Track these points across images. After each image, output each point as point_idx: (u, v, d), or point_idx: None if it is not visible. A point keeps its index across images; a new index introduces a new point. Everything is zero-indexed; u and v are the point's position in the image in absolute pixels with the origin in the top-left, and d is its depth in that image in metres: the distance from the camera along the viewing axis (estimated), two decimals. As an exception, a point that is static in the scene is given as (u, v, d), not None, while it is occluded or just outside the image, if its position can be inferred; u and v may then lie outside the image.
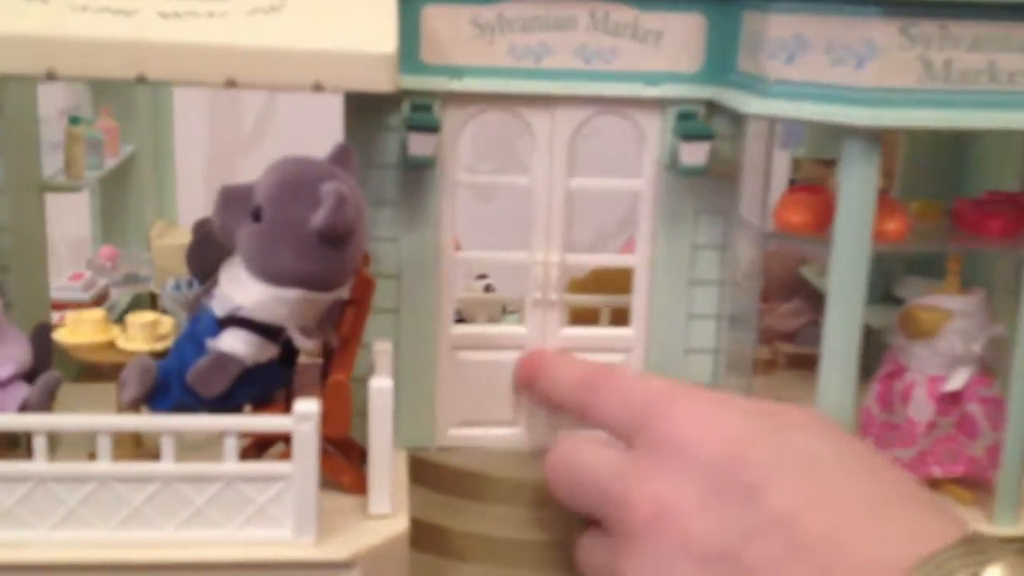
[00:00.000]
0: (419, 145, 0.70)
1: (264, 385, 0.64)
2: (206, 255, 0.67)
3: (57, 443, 0.67)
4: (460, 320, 0.85)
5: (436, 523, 0.71)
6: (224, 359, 0.61)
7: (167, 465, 0.59)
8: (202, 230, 0.72)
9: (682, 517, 0.57)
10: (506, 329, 0.80)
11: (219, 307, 0.62)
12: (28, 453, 0.59)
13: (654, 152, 0.74)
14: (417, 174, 0.72)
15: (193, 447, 0.63)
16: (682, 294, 0.76)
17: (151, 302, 1.06)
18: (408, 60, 0.69)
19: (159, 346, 0.68)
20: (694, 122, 0.72)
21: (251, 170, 0.64)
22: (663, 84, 0.72)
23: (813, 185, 0.79)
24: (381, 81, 0.63)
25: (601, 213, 1.27)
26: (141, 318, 0.69)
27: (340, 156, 0.65)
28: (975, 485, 0.73)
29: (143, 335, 0.68)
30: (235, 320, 0.61)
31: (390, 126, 0.72)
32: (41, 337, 0.68)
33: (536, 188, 0.74)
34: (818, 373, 0.69)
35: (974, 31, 0.63)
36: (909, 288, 0.83)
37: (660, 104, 0.73)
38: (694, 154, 0.71)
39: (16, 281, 0.74)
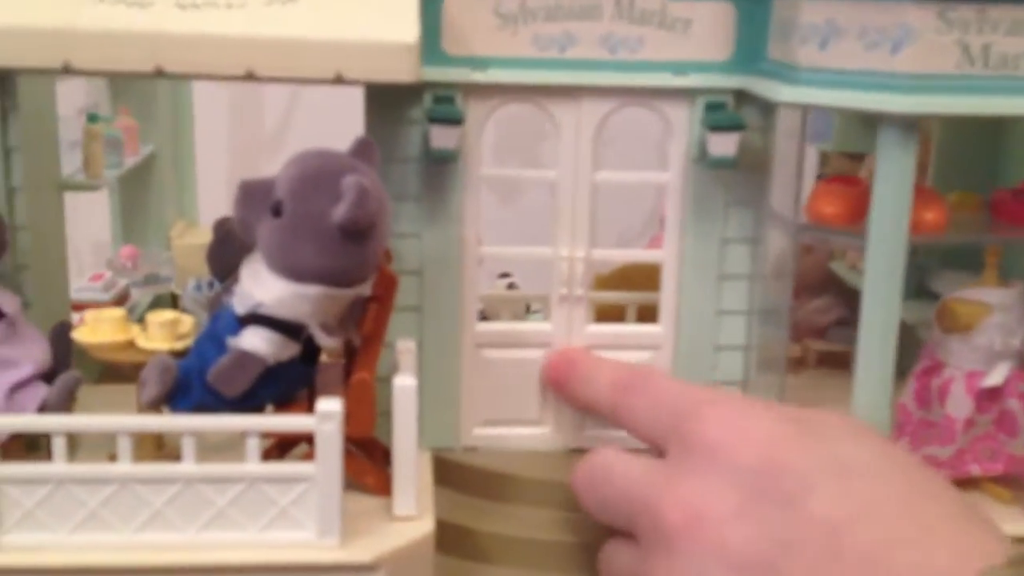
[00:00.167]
0: (442, 138, 0.68)
1: (286, 384, 0.63)
2: (227, 254, 0.66)
3: (77, 445, 0.66)
4: (483, 319, 0.83)
5: (461, 524, 0.70)
6: (245, 358, 0.60)
7: (188, 466, 0.58)
8: (222, 229, 0.72)
9: (717, 523, 0.55)
10: (531, 326, 0.79)
11: (240, 305, 0.61)
12: (48, 455, 0.58)
13: (682, 144, 0.73)
14: (439, 168, 0.71)
15: (215, 448, 0.62)
16: (711, 289, 0.75)
17: (172, 302, 1.05)
18: (430, 51, 0.68)
19: (179, 345, 0.67)
20: (723, 112, 0.70)
21: (273, 169, 0.63)
22: (691, 74, 0.71)
23: (847, 176, 0.77)
24: (403, 71, 0.62)
25: (624, 215, 1.25)
26: (161, 317, 0.68)
27: (361, 149, 0.64)
28: (1015, 483, 0.71)
29: (163, 334, 0.67)
30: (256, 318, 0.60)
31: (412, 119, 0.71)
32: (60, 337, 0.67)
33: (561, 182, 0.73)
34: (853, 370, 0.67)
35: (1013, 15, 0.62)
36: (944, 282, 0.81)
37: (688, 94, 0.71)
38: (723, 145, 0.70)
39: (35, 280, 0.73)
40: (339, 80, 0.62)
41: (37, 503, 0.57)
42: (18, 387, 0.63)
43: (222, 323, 0.62)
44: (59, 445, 0.57)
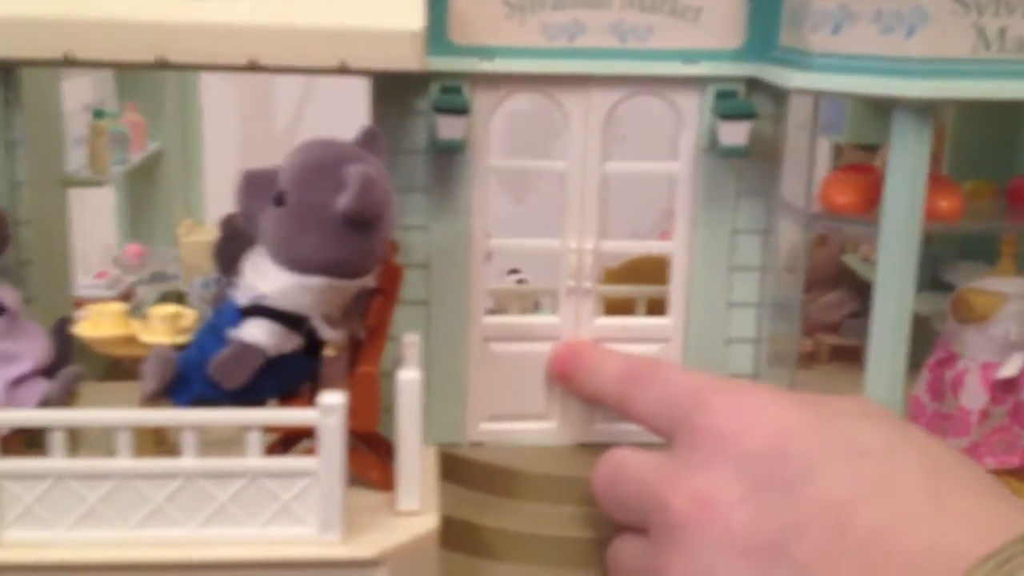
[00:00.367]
0: (449, 128, 0.68)
1: (289, 377, 0.62)
2: (234, 250, 0.65)
3: (79, 442, 0.65)
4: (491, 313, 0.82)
5: (467, 520, 0.69)
6: (246, 349, 0.59)
7: (189, 461, 0.57)
8: (230, 225, 0.71)
9: (724, 509, 0.55)
10: (539, 319, 0.78)
11: (242, 296, 0.60)
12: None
13: (692, 133, 0.72)
14: (447, 159, 0.70)
15: (219, 443, 0.61)
16: (722, 281, 0.74)
17: (178, 300, 1.04)
18: (436, 41, 0.67)
19: (181, 339, 0.66)
20: (734, 100, 0.69)
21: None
22: (702, 62, 0.70)
23: (861, 164, 0.76)
24: (409, 59, 0.61)
25: (635, 212, 1.25)
26: (163, 310, 0.67)
27: (368, 139, 0.63)
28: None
29: (165, 328, 0.66)
30: (258, 309, 0.59)
31: (418, 110, 0.70)
32: (61, 332, 0.67)
33: (570, 172, 0.72)
34: (865, 360, 0.66)
35: (1030, -3, 0.60)
36: (958, 273, 0.80)
37: (699, 83, 0.70)
38: (734, 134, 0.68)
39: (38, 276, 0.72)
40: (344, 69, 0.62)
41: (36, 499, 0.57)
42: (18, 382, 0.63)
43: (224, 315, 0.61)
44: (58, 440, 0.57)
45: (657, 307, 0.78)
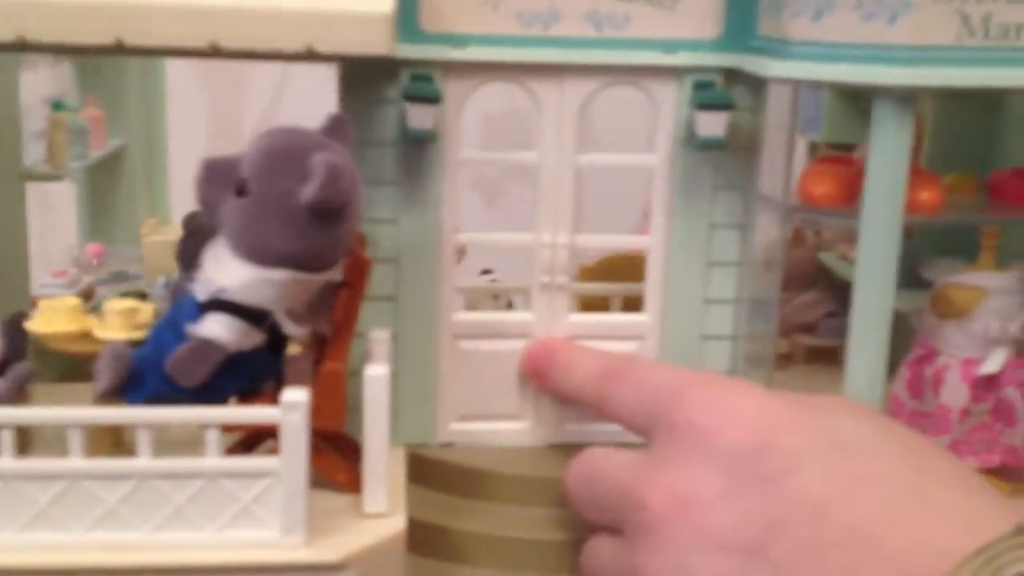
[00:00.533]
0: (419, 117, 0.66)
1: (250, 375, 0.60)
2: (196, 249, 0.62)
3: (34, 443, 0.63)
4: (463, 312, 0.80)
5: (437, 523, 0.67)
6: (205, 345, 0.56)
7: (143, 461, 0.55)
8: (193, 223, 0.68)
9: (701, 507, 0.53)
10: (511, 316, 0.77)
11: (201, 291, 0.58)
12: None
13: (669, 124, 0.70)
14: (417, 151, 0.68)
15: (180, 444, 0.59)
16: (699, 277, 0.72)
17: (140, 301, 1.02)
18: (407, 28, 0.65)
19: (138, 335, 0.63)
20: (712, 91, 0.68)
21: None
22: (679, 52, 0.68)
23: (840, 156, 0.75)
24: (377, 44, 0.59)
25: (611, 217, 1.24)
26: (119, 304, 0.65)
27: (334, 127, 0.61)
28: (1013, 476, 0.69)
29: (121, 323, 0.64)
30: (218, 304, 0.57)
31: (388, 99, 0.68)
32: (13, 328, 0.64)
33: (544, 164, 0.70)
34: (844, 356, 0.65)
35: (1016, -19, 0.59)
36: (937, 269, 0.78)
37: (676, 73, 0.69)
38: (712, 125, 0.67)
39: (-8, 272, 0.70)
40: (311, 53, 0.59)
41: (-18, 500, 0.54)
42: (-33, 379, 0.60)
43: (182, 310, 0.58)
44: (6, 438, 0.54)
45: (633, 306, 0.77)
